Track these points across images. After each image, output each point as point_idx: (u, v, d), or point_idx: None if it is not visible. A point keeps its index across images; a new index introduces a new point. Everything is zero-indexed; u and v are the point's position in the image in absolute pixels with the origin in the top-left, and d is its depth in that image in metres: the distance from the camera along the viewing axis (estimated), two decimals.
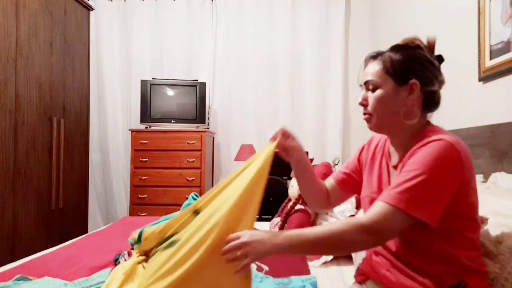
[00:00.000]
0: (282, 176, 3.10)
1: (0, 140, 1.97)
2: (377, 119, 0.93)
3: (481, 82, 1.72)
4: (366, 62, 0.96)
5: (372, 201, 0.97)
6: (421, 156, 0.82)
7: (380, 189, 0.97)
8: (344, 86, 3.66)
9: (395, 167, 0.95)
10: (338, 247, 0.85)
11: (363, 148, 1.12)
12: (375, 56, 0.94)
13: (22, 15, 2.12)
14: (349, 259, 1.53)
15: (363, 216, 0.83)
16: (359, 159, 1.11)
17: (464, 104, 1.86)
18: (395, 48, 0.93)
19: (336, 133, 3.64)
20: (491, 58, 1.62)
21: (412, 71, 0.89)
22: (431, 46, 0.95)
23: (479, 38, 1.70)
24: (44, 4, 2.31)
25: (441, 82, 0.94)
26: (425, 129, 0.91)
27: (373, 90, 0.92)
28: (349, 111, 3.73)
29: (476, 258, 0.86)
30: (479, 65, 1.71)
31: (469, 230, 0.86)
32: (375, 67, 0.93)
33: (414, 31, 2.59)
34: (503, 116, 1.51)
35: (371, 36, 3.63)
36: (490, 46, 1.62)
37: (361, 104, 0.95)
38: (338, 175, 1.15)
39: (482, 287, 0.86)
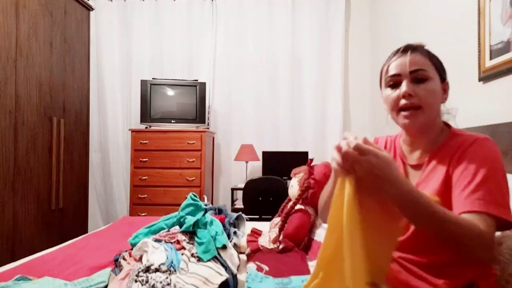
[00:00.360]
0: (282, 176, 3.10)
1: (0, 140, 1.97)
2: (427, 113, 0.87)
3: (481, 82, 1.72)
4: (406, 51, 0.90)
5: None
6: (480, 157, 0.80)
7: None
8: (344, 86, 3.66)
9: (415, 166, 0.94)
10: (454, 238, 0.72)
11: None
12: (415, 48, 0.91)
13: (22, 15, 2.12)
14: None
15: (480, 226, 0.73)
16: None
17: (464, 104, 1.86)
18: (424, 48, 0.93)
19: (336, 132, 3.64)
20: (491, 58, 1.62)
21: (444, 72, 0.93)
22: None
23: (479, 38, 1.70)
24: (44, 4, 2.31)
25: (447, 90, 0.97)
26: (449, 130, 0.92)
27: (421, 82, 0.87)
28: (349, 111, 3.73)
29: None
30: (479, 65, 1.71)
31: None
32: (421, 58, 0.89)
33: (414, 31, 2.61)
34: (503, 116, 1.51)
35: (371, 36, 3.63)
36: (490, 46, 1.62)
37: (406, 93, 0.87)
38: None
39: None
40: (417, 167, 0.93)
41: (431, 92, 0.87)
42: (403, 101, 0.88)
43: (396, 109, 0.90)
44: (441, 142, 0.90)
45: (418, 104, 0.87)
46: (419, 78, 0.87)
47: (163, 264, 1.14)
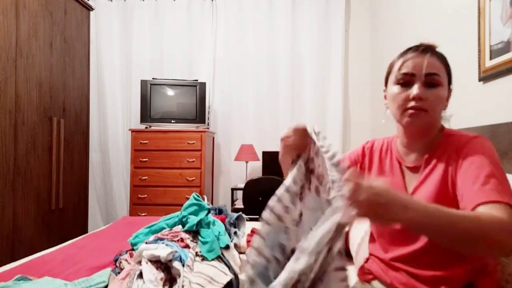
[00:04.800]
0: (282, 176, 3.09)
1: (0, 140, 1.97)
2: (430, 117, 0.88)
3: (481, 82, 1.72)
4: (426, 52, 0.88)
5: None
6: (480, 153, 0.82)
7: None
8: (344, 86, 3.66)
9: (412, 168, 0.93)
10: (478, 237, 0.67)
11: (363, 148, 1.08)
12: (434, 51, 0.90)
13: (22, 15, 2.11)
14: (349, 258, 1.53)
15: (500, 215, 0.69)
16: (363, 155, 1.06)
17: (464, 104, 1.86)
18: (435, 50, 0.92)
19: (336, 132, 3.64)
20: (491, 58, 1.62)
21: (451, 80, 0.93)
22: None
23: (479, 38, 1.70)
24: (44, 4, 2.31)
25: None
26: (443, 131, 0.93)
27: (432, 86, 0.86)
28: (349, 110, 3.73)
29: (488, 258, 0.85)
30: (479, 65, 1.71)
31: None
32: (436, 62, 0.88)
33: (414, 31, 2.61)
34: (503, 116, 1.51)
35: (371, 36, 3.63)
36: (490, 46, 1.62)
37: (418, 97, 0.85)
38: None
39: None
40: (414, 169, 0.93)
41: (440, 98, 0.87)
42: (412, 103, 0.86)
43: (403, 108, 0.88)
44: (436, 143, 0.91)
45: (425, 108, 0.86)
46: (432, 83, 0.86)
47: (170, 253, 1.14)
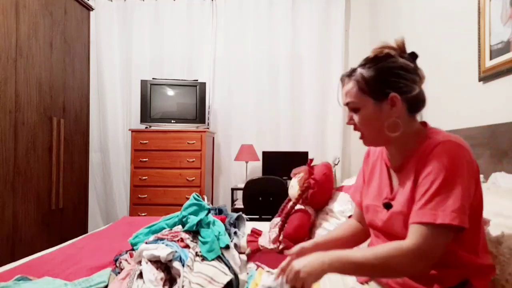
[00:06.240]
0: (282, 176, 3.10)
1: (0, 140, 1.97)
2: (368, 137, 0.94)
3: (481, 82, 1.72)
4: (343, 81, 0.96)
5: (373, 207, 0.98)
6: (437, 164, 0.80)
7: (379, 193, 0.98)
8: None
9: (397, 169, 0.95)
10: (386, 272, 0.82)
11: (364, 164, 1.13)
12: (349, 75, 0.94)
13: (22, 15, 2.12)
14: None
15: (406, 241, 0.79)
16: (363, 176, 1.11)
17: (464, 104, 1.86)
18: (366, 63, 0.91)
19: (336, 133, 3.64)
20: (491, 58, 1.62)
21: (388, 84, 0.88)
22: (401, 48, 0.92)
23: (479, 38, 1.70)
24: (44, 4, 2.31)
25: (421, 79, 0.91)
26: (425, 132, 0.91)
27: (355, 111, 0.93)
28: None
29: (482, 258, 0.86)
30: (479, 65, 1.71)
31: (477, 228, 0.86)
32: (351, 87, 0.92)
33: (414, 30, 2.61)
34: (503, 116, 1.51)
35: (371, 36, 3.63)
36: (490, 46, 1.62)
37: (349, 124, 0.96)
38: (355, 198, 1.14)
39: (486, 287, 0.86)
40: (397, 169, 0.95)
41: (364, 119, 0.92)
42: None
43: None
44: (415, 147, 0.90)
45: (359, 131, 0.95)
46: (352, 108, 0.93)
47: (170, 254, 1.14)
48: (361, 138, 0.96)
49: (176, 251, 1.20)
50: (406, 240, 0.79)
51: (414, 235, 0.78)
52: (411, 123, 0.91)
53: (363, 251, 0.84)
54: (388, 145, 0.96)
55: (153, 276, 1.09)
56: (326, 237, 1.11)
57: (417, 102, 0.91)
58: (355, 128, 0.95)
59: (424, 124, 0.94)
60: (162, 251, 1.17)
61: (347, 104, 0.94)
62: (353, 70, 0.93)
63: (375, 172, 1.04)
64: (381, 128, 0.90)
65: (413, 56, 0.92)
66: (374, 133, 0.92)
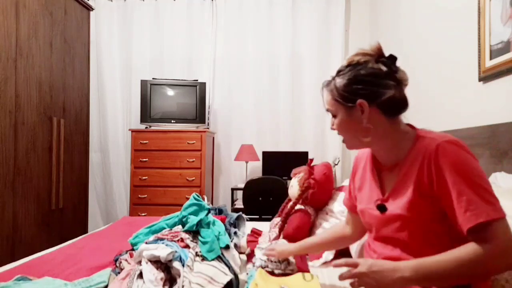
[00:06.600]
0: (282, 176, 3.10)
1: (0, 140, 1.97)
2: (348, 141, 0.99)
3: (481, 82, 1.72)
4: (322, 90, 1.03)
5: (367, 211, 0.98)
6: (455, 167, 0.80)
7: (370, 196, 0.99)
8: None
9: (390, 169, 0.95)
10: (472, 276, 0.77)
11: (353, 171, 1.15)
12: (327, 85, 1.00)
13: (22, 15, 2.12)
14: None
15: (482, 245, 0.75)
16: (354, 182, 1.13)
17: (464, 104, 1.86)
18: (340, 72, 0.97)
19: (336, 132, 3.63)
20: (491, 58, 1.62)
21: (355, 92, 0.91)
22: (378, 53, 0.93)
23: (479, 38, 1.70)
24: (44, 4, 2.31)
25: (399, 82, 0.91)
26: (415, 132, 0.92)
27: (334, 117, 0.99)
28: None
29: None
30: (479, 65, 1.71)
31: None
32: (326, 95, 0.99)
33: (414, 31, 2.61)
34: (503, 116, 1.51)
35: (371, 36, 3.63)
36: (490, 46, 1.62)
37: (332, 129, 1.02)
38: (347, 203, 1.18)
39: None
40: (391, 169, 0.95)
41: (340, 125, 0.97)
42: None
43: None
44: (408, 147, 0.90)
45: (341, 135, 1.00)
46: (332, 115, 1.00)
47: (170, 254, 1.14)
48: (343, 142, 1.01)
49: (176, 251, 1.20)
50: (480, 244, 0.75)
51: (486, 236, 0.74)
52: (394, 125, 0.92)
53: (443, 258, 0.78)
54: (372, 148, 0.99)
55: (153, 276, 1.09)
56: (315, 239, 1.19)
57: (393, 105, 0.91)
58: (337, 133, 1.01)
59: (411, 126, 0.95)
60: (162, 251, 1.17)
61: (327, 111, 1.01)
62: (331, 80, 0.99)
63: (366, 176, 1.05)
64: (356, 133, 0.95)
65: (392, 59, 0.92)
66: (353, 138, 0.97)
